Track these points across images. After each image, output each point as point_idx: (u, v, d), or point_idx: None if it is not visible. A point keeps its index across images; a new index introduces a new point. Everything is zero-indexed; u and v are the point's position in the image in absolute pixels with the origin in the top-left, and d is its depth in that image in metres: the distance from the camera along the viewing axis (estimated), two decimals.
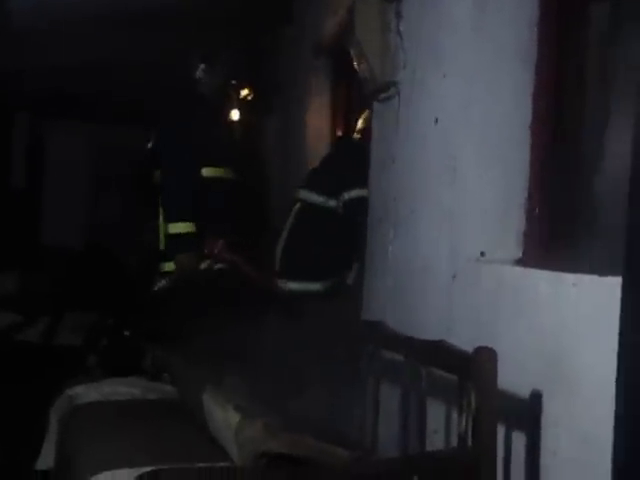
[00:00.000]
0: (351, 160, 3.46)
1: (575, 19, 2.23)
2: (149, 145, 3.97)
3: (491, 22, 2.32)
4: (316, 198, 3.42)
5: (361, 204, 3.24)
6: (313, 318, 2.99)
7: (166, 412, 2.59)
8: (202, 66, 3.58)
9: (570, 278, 1.70)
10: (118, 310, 3.49)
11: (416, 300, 2.54)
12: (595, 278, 1.62)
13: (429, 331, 2.30)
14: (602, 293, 1.60)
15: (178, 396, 2.73)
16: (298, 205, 3.48)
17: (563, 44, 2.25)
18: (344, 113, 4.31)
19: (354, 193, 3.35)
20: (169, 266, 3.42)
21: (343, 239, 3.35)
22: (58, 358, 3.88)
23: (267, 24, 4.93)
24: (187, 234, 3.36)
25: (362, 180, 3.26)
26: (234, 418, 1.70)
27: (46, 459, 2.72)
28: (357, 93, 3.74)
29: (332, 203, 3.38)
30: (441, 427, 2.03)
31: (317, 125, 4.40)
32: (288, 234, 3.45)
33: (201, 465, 1.72)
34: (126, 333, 3.18)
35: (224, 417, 1.78)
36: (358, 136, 3.60)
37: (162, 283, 3.37)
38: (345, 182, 3.38)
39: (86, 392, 2.77)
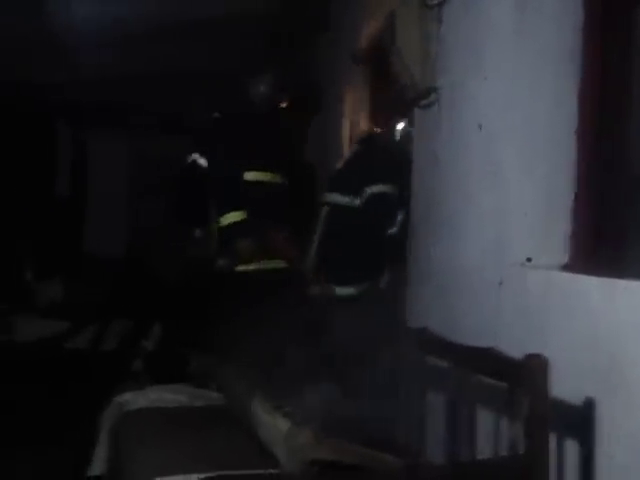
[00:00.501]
0: (373, 157, 3.43)
1: (620, 22, 2.21)
2: (194, 156, 4.01)
3: (533, 24, 2.31)
4: (341, 199, 3.39)
5: (383, 199, 3.24)
6: (355, 323, 3.00)
7: (214, 419, 2.62)
8: (257, 79, 3.61)
9: (622, 284, 1.68)
10: (163, 318, 3.53)
11: (462, 305, 2.53)
12: None
13: (476, 336, 2.29)
14: None
15: (225, 403, 2.77)
16: (326, 209, 3.48)
17: (608, 47, 2.23)
18: (383, 116, 4.31)
19: (376, 188, 3.30)
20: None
21: (373, 240, 3.32)
22: (107, 365, 3.94)
23: (305, 32, 4.95)
24: (240, 222, 3.37)
25: (385, 176, 3.26)
26: (284, 425, 1.72)
27: (98, 465, 2.77)
28: (394, 97, 3.73)
29: (357, 202, 3.34)
30: (488, 435, 2.02)
31: (356, 128, 4.41)
32: (319, 240, 3.44)
33: (255, 472, 1.74)
34: (172, 340, 3.22)
35: (274, 424, 1.80)
36: (378, 131, 3.61)
37: (221, 263, 3.39)
38: (367, 178, 3.33)
39: (134, 399, 2.82)
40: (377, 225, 3.29)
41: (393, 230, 3.30)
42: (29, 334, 4.61)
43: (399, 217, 3.32)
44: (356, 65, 4.20)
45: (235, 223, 3.37)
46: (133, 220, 7.72)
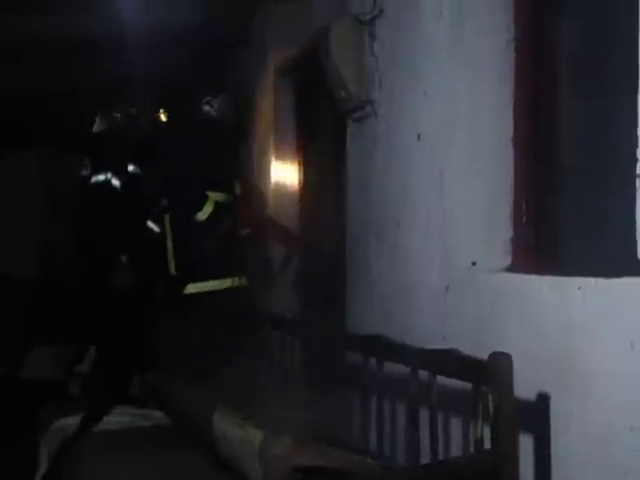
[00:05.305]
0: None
1: (548, 35, 2.33)
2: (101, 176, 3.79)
3: (469, 41, 2.41)
4: None
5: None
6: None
7: (162, 438, 2.56)
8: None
9: (575, 282, 1.77)
10: (99, 339, 3.40)
11: (408, 311, 2.59)
12: (601, 281, 1.69)
13: (424, 342, 2.35)
14: (609, 295, 1.67)
15: (170, 421, 2.71)
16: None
17: (539, 57, 2.35)
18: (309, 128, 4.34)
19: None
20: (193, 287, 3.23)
21: None
22: (38, 391, 3.76)
23: (224, 45, 4.94)
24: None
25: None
26: (256, 436, 1.71)
27: None
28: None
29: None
30: (452, 435, 2.08)
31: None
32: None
33: None
34: (109, 361, 3.12)
35: (243, 436, 1.78)
36: None
37: None
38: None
39: (76, 424, 2.71)
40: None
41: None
42: None
43: None
44: (281, 77, 4.22)
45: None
46: (48, 238, 7.40)
